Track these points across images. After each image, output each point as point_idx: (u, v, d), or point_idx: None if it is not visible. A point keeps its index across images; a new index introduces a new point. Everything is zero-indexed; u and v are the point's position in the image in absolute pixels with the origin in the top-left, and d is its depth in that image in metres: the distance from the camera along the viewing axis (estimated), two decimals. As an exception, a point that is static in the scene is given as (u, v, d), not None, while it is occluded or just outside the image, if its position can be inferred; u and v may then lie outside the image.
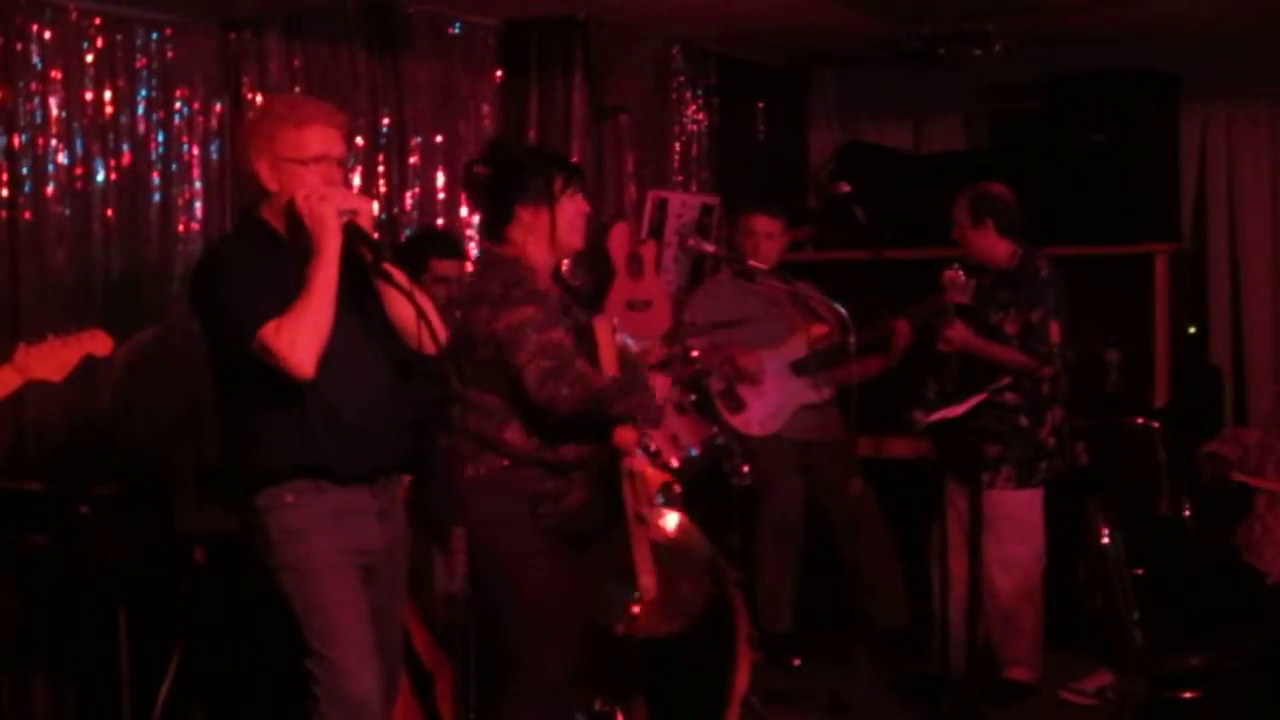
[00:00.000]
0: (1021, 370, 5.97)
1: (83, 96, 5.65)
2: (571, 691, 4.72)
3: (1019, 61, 7.53)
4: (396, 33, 6.57)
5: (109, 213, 5.75)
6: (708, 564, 5.15)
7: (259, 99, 6.06)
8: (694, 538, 5.13)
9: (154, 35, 5.86)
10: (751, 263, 6.26)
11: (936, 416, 5.75)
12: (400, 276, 4.00)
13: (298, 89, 6.19)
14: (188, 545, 5.25)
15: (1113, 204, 7.30)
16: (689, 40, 7.75)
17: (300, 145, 3.97)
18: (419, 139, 6.71)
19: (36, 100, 5.51)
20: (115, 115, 5.76)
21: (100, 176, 5.72)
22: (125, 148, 5.80)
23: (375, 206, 6.27)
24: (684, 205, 7.60)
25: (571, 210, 4.59)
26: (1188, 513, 6.54)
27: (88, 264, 5.68)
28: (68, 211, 5.61)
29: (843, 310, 5.62)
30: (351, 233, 3.92)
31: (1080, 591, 6.32)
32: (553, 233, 4.54)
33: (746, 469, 5.75)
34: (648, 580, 4.79)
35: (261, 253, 3.98)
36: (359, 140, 6.40)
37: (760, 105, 8.52)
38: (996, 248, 6.09)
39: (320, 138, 4.00)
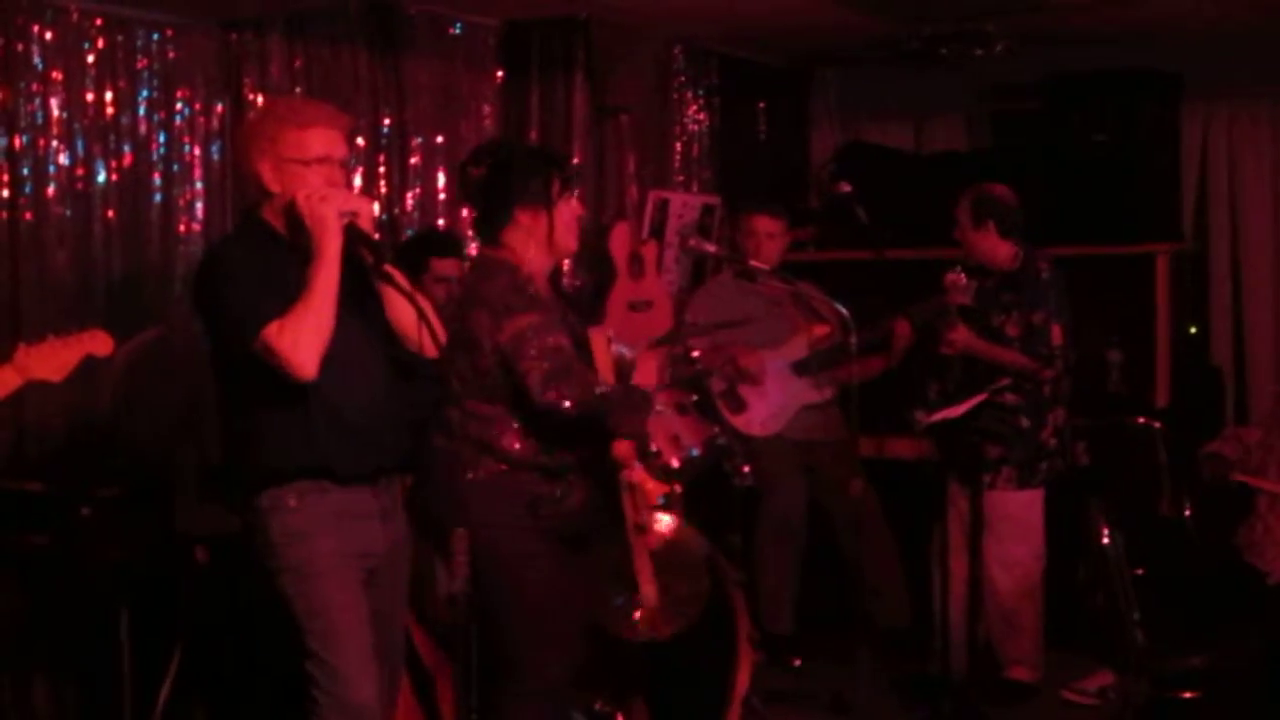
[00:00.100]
0: (1023, 372, 5.98)
1: (84, 97, 5.65)
2: (571, 692, 4.73)
3: (1020, 61, 7.53)
4: (398, 33, 6.57)
5: (110, 214, 5.75)
6: (705, 564, 5.15)
7: (260, 100, 6.06)
8: (689, 538, 5.12)
9: (155, 36, 5.86)
10: (753, 263, 6.26)
11: (938, 417, 5.76)
12: (401, 278, 4.01)
13: (299, 90, 6.19)
14: (189, 546, 5.24)
15: (1114, 204, 7.29)
16: (690, 40, 7.75)
17: (303, 147, 3.97)
18: (420, 139, 6.71)
19: (37, 101, 5.51)
20: (116, 116, 5.76)
21: (101, 177, 5.72)
22: (126, 148, 5.80)
23: (376, 207, 6.30)
24: (685, 205, 7.61)
25: (568, 213, 4.59)
26: (1189, 513, 6.54)
27: (89, 265, 5.68)
28: (69, 212, 5.61)
29: (844, 310, 5.62)
30: (352, 234, 3.92)
31: (1081, 591, 6.31)
32: (550, 236, 4.54)
33: (748, 469, 5.74)
34: (649, 589, 4.80)
35: (263, 253, 3.98)
36: (360, 141, 6.40)
37: (761, 105, 8.52)
38: (998, 249, 6.09)
39: (323, 139, 4.00)
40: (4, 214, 5.44)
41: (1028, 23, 7.11)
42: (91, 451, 5.52)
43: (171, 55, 5.91)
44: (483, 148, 4.87)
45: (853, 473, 6.09)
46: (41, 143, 5.53)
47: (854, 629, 6.04)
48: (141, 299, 5.83)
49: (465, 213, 6.76)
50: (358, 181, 6.40)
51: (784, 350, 6.54)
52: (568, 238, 4.60)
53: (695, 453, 5.18)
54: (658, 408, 4.85)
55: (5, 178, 5.43)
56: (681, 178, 7.83)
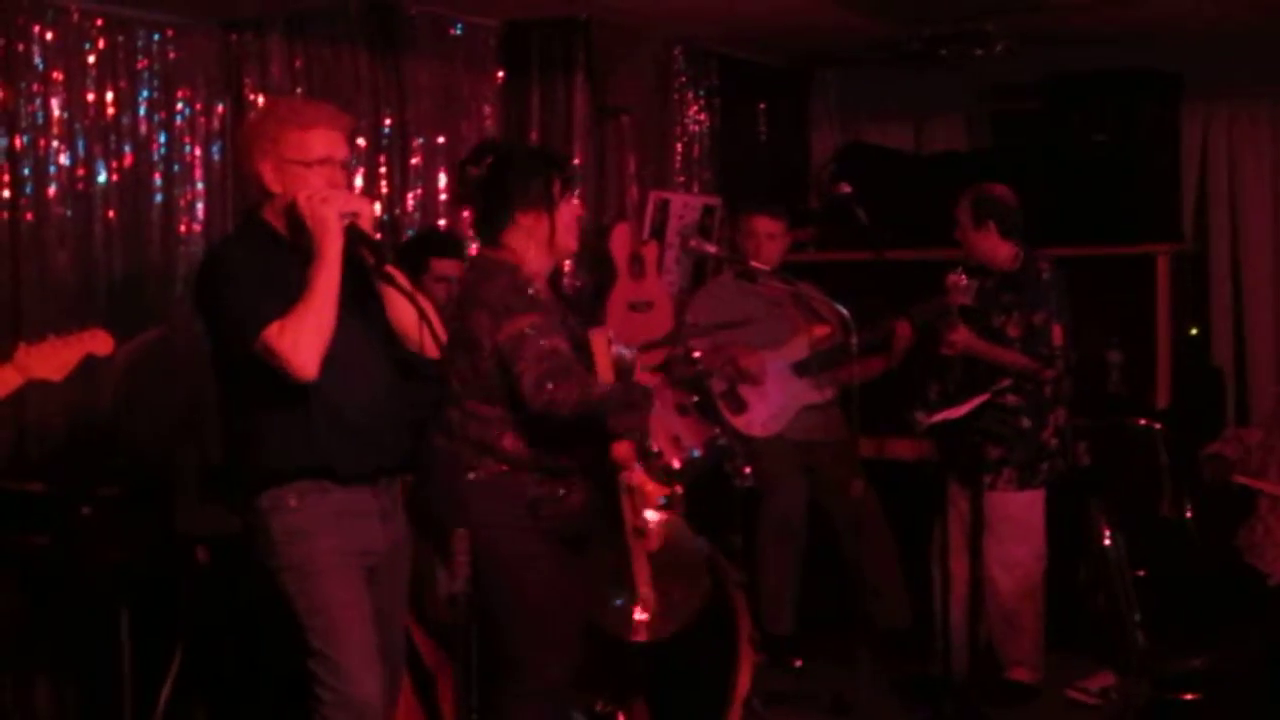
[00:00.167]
0: (1024, 373, 5.98)
1: (84, 97, 5.64)
2: (571, 692, 4.72)
3: (1020, 62, 7.53)
4: (398, 33, 6.57)
5: (111, 214, 5.75)
6: (703, 564, 5.14)
7: (261, 100, 6.05)
8: (685, 539, 5.12)
9: (155, 36, 5.86)
10: (753, 264, 6.26)
11: (938, 418, 5.75)
12: (402, 279, 4.01)
13: (299, 90, 6.19)
14: (189, 546, 5.24)
15: (1114, 205, 7.30)
16: (690, 41, 7.75)
17: (304, 148, 3.97)
18: (421, 140, 6.71)
19: (38, 101, 5.50)
20: (117, 116, 5.75)
21: (102, 177, 5.71)
22: (127, 149, 5.80)
23: (377, 207, 6.30)
24: (686, 206, 7.61)
25: (568, 214, 4.58)
26: (1189, 514, 6.54)
27: (89, 265, 5.68)
28: (69, 213, 5.61)
29: (844, 311, 5.62)
30: (353, 235, 3.93)
31: (1082, 592, 6.31)
32: (552, 237, 4.54)
33: (748, 470, 5.75)
34: (647, 591, 4.80)
35: (264, 254, 3.98)
36: (361, 141, 6.40)
37: (762, 106, 8.52)
38: (998, 249, 6.09)
39: (324, 140, 4.00)
40: (5, 214, 5.43)
41: (1027, 23, 7.10)
42: (92, 451, 5.52)
43: (172, 55, 5.91)
44: (481, 147, 4.85)
45: (853, 473, 6.09)
46: (42, 143, 5.52)
47: (854, 630, 6.04)
48: (142, 299, 5.83)
49: (466, 213, 6.77)
50: (359, 182, 6.40)
51: (785, 351, 6.54)
52: (568, 239, 4.59)
53: (696, 453, 5.19)
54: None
55: (6, 178, 5.43)
56: (682, 178, 7.83)
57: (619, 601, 4.89)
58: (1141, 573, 5.37)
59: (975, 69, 7.67)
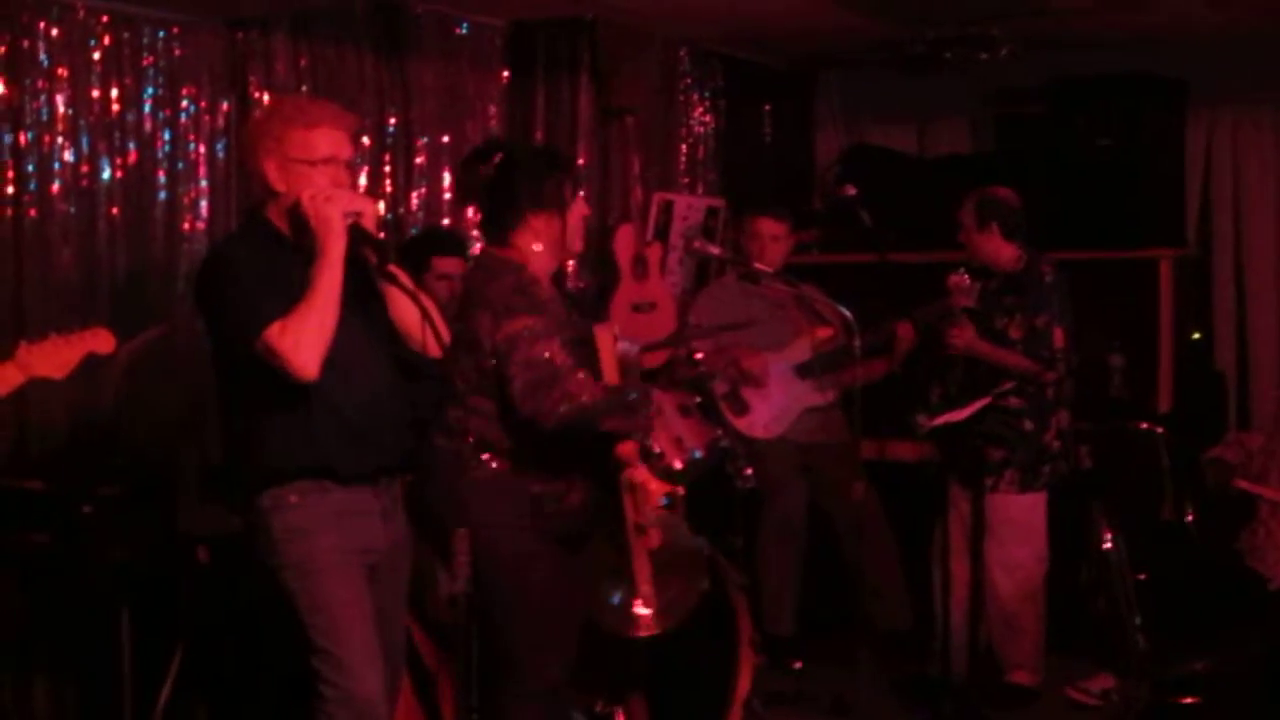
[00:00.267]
0: (1024, 375, 5.98)
1: (89, 94, 5.64)
2: (571, 692, 4.72)
3: (1024, 66, 7.52)
4: (403, 33, 6.57)
5: (114, 211, 5.75)
6: (702, 562, 5.13)
7: (265, 98, 6.05)
8: (684, 536, 5.12)
9: (160, 34, 5.86)
10: (757, 265, 6.26)
11: (940, 420, 5.75)
12: (404, 278, 4.01)
13: (304, 89, 6.19)
14: (190, 545, 5.24)
15: (1118, 209, 7.29)
16: (696, 43, 7.76)
17: (309, 147, 3.97)
18: (425, 139, 6.71)
19: (43, 98, 5.50)
20: (121, 113, 5.75)
21: (106, 175, 5.71)
22: (131, 146, 5.79)
23: (381, 206, 6.31)
24: (690, 207, 7.61)
25: (576, 215, 4.59)
26: (1191, 518, 6.54)
27: (93, 262, 5.68)
28: (73, 209, 5.61)
29: (847, 313, 5.62)
30: (356, 234, 3.93)
31: (1083, 595, 6.32)
32: (562, 239, 4.54)
33: (750, 471, 5.75)
34: (647, 589, 4.80)
35: (266, 253, 3.99)
36: (365, 140, 6.40)
37: (766, 108, 8.52)
38: (1001, 251, 6.09)
39: (329, 140, 4.00)
40: (9, 211, 5.43)
41: (1032, 27, 7.10)
42: (93, 450, 5.52)
43: (177, 53, 5.91)
44: (488, 145, 4.85)
45: (855, 475, 6.09)
46: (46, 139, 5.52)
47: (855, 631, 6.04)
48: (146, 297, 5.83)
49: (470, 212, 6.77)
50: (363, 181, 6.40)
51: (787, 353, 6.55)
52: (575, 240, 4.60)
53: (698, 455, 5.18)
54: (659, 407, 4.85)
55: (10, 174, 5.43)
56: (686, 180, 7.83)
57: (617, 598, 4.89)
58: (1142, 576, 5.37)
59: (980, 72, 7.66)
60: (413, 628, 4.66)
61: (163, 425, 5.66)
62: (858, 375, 5.57)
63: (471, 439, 4.42)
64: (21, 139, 5.44)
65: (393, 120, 6.60)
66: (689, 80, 7.82)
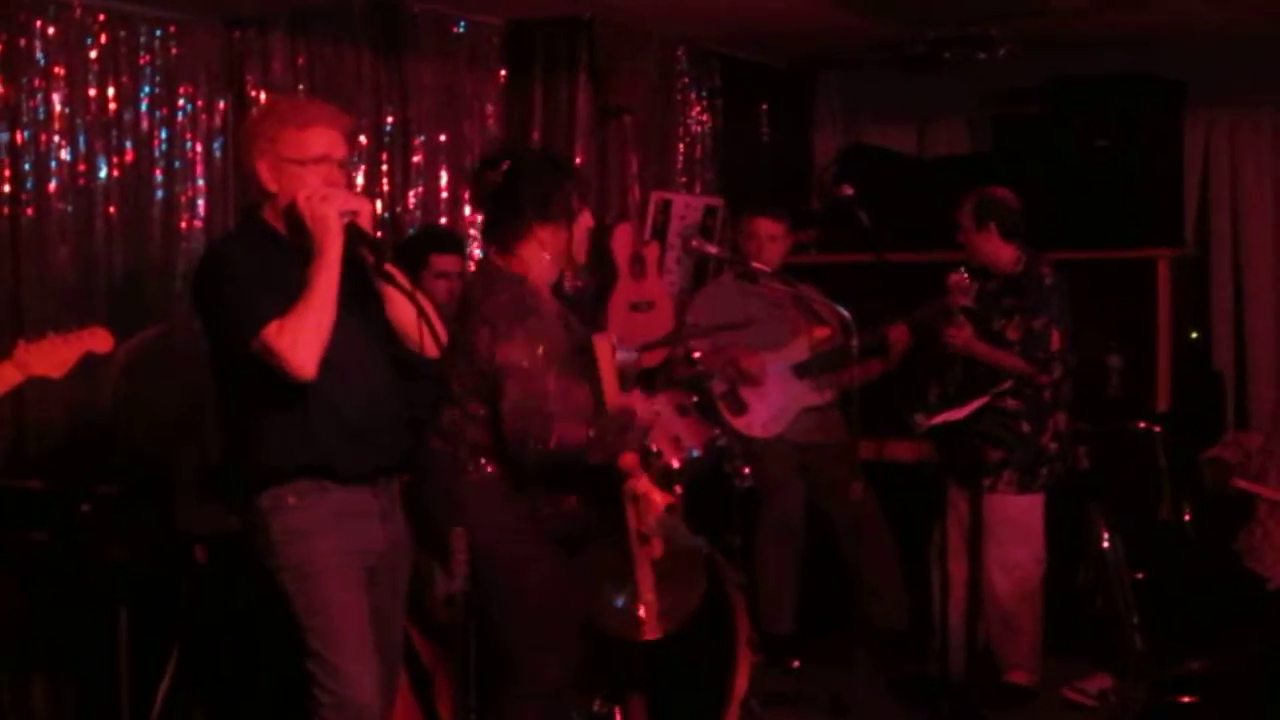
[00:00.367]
0: (1019, 376, 5.97)
1: (86, 93, 5.64)
2: (573, 693, 4.71)
3: (1023, 66, 7.53)
4: (401, 32, 6.57)
5: (112, 210, 5.74)
6: (702, 563, 5.13)
7: (263, 97, 6.05)
8: (683, 539, 5.10)
9: (158, 32, 5.85)
10: (754, 265, 6.26)
11: (938, 419, 5.75)
12: (401, 277, 4.01)
13: (301, 88, 6.19)
14: (188, 544, 5.24)
15: (1116, 209, 7.30)
16: (694, 42, 7.75)
17: (301, 146, 3.97)
18: (422, 138, 6.70)
19: (39, 96, 5.49)
20: (118, 112, 5.75)
21: (103, 173, 5.71)
22: (128, 145, 5.79)
23: (379, 205, 6.30)
24: (688, 207, 7.60)
25: (582, 226, 4.59)
26: (1188, 518, 6.54)
27: (90, 261, 5.67)
28: (70, 208, 5.60)
29: (845, 313, 5.62)
30: (353, 234, 3.92)
31: (1081, 595, 6.32)
32: (567, 249, 4.55)
33: (748, 471, 5.75)
34: (650, 597, 4.80)
35: (263, 253, 3.98)
36: (362, 139, 6.40)
37: (764, 107, 8.52)
38: (1000, 252, 6.09)
39: (322, 139, 4.00)
40: (5, 210, 5.42)
41: (1031, 27, 7.10)
42: (91, 449, 5.51)
43: (174, 52, 5.90)
44: (499, 152, 4.85)
45: (853, 475, 6.09)
46: (43, 138, 5.51)
47: (853, 631, 6.04)
48: (143, 296, 5.82)
49: (468, 211, 6.77)
50: (360, 180, 6.39)
51: (785, 352, 6.54)
52: (580, 251, 4.61)
53: (696, 454, 5.18)
54: (655, 410, 4.84)
55: (7, 173, 5.42)
56: (684, 179, 7.83)
57: (620, 601, 4.89)
58: (1140, 576, 5.37)
59: (978, 73, 7.66)
60: (410, 627, 4.65)
61: (161, 424, 5.65)
62: (855, 375, 5.58)
63: (467, 443, 4.42)
64: (18, 138, 5.43)
65: (390, 119, 6.59)
66: (687, 79, 7.82)
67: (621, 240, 7.07)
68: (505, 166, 4.56)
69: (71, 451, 5.49)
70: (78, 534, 4.96)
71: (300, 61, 6.24)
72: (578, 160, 6.98)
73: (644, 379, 5.96)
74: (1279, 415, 6.45)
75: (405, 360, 4.15)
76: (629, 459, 4.57)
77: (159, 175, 5.89)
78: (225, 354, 3.99)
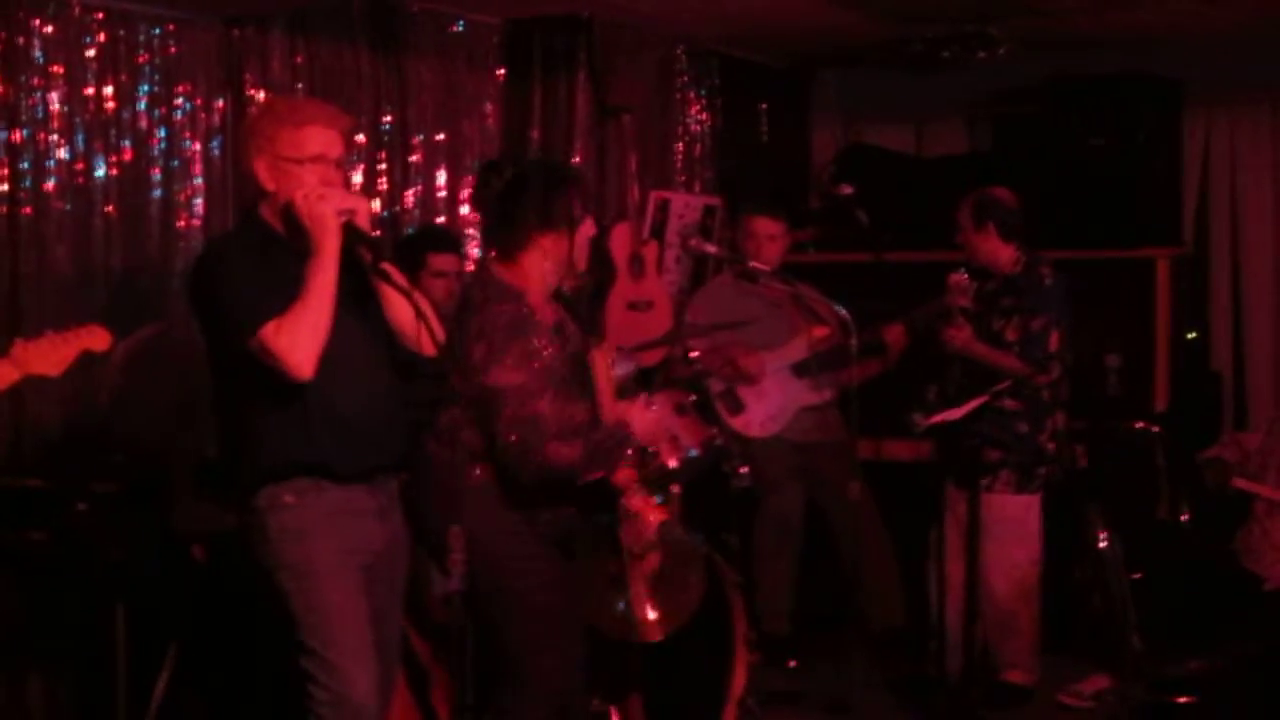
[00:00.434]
0: (1016, 376, 5.97)
1: (84, 92, 5.64)
2: (577, 694, 4.69)
3: (1021, 65, 7.53)
4: (399, 30, 6.57)
5: (110, 209, 5.74)
6: (699, 563, 5.12)
7: (261, 96, 6.05)
8: (679, 544, 5.10)
9: (156, 31, 5.85)
10: (753, 264, 6.26)
11: (936, 419, 5.75)
12: (399, 276, 4.00)
13: (300, 86, 6.19)
14: (186, 543, 5.24)
15: (1115, 208, 7.30)
16: (692, 41, 7.75)
17: (298, 145, 3.97)
18: (421, 137, 6.70)
19: (38, 95, 5.50)
20: (117, 111, 5.75)
21: (101, 172, 5.71)
22: (126, 143, 5.79)
23: (377, 204, 6.30)
24: (686, 206, 7.60)
25: (584, 234, 4.59)
26: (1186, 517, 6.54)
27: (88, 260, 5.68)
28: (68, 207, 5.60)
29: (844, 312, 5.62)
30: (350, 233, 3.92)
31: (1078, 595, 6.32)
32: (569, 258, 4.55)
33: (746, 470, 5.74)
34: (643, 609, 4.80)
35: (260, 252, 3.98)
36: (361, 138, 6.40)
37: (763, 107, 8.52)
38: (999, 252, 6.09)
39: (319, 138, 3.99)
40: (3, 208, 5.43)
41: (1029, 26, 7.10)
42: (89, 447, 5.51)
43: (173, 50, 5.91)
44: (504, 159, 4.85)
45: (851, 475, 6.09)
46: (42, 137, 5.52)
47: (851, 630, 6.04)
48: (141, 295, 5.83)
49: (466, 210, 6.77)
50: (358, 179, 6.39)
51: (783, 352, 6.54)
52: (581, 259, 4.61)
53: (694, 453, 5.17)
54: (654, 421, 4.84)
55: (5, 172, 5.42)
56: (683, 178, 7.83)
57: (620, 605, 4.88)
58: (1138, 575, 5.37)
59: (977, 72, 7.66)
60: (407, 626, 4.65)
61: (158, 423, 5.65)
62: (854, 375, 5.58)
63: (464, 447, 4.42)
64: (16, 136, 5.44)
65: (389, 118, 6.60)
66: (686, 79, 7.82)
67: (620, 239, 7.07)
68: (509, 174, 4.56)
69: (69, 450, 5.49)
70: (75, 533, 4.97)
71: (299, 60, 6.24)
72: (576, 159, 6.99)
73: (642, 378, 5.96)
74: (1277, 416, 6.45)
75: (403, 359, 4.15)
76: (623, 476, 4.57)
77: (157, 174, 5.90)
78: (222, 353, 3.99)
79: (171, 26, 5.89)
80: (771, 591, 6.47)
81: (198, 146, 6.01)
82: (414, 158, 6.69)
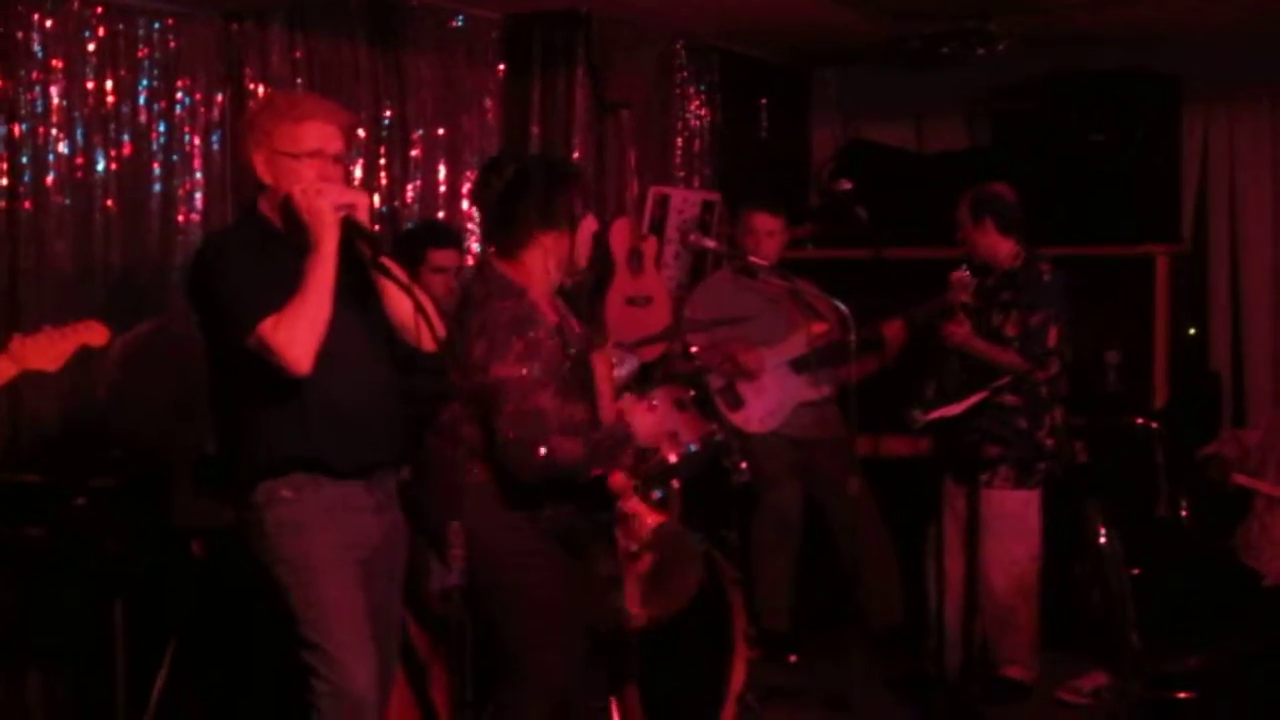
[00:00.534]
0: (1015, 372, 5.97)
1: (84, 86, 5.64)
2: (579, 690, 4.69)
3: (1021, 61, 7.52)
4: (399, 25, 6.56)
5: (109, 203, 5.74)
6: (696, 554, 5.12)
7: (261, 91, 6.05)
8: (676, 543, 5.10)
9: (156, 25, 5.85)
10: (752, 260, 6.26)
11: (935, 415, 5.75)
12: (398, 271, 4.00)
13: (299, 81, 6.18)
14: (184, 538, 5.24)
15: (1114, 205, 7.30)
16: (692, 36, 7.75)
17: (296, 140, 3.96)
18: (421, 132, 6.70)
19: (37, 89, 5.50)
20: (116, 105, 5.75)
21: (101, 167, 5.71)
22: (126, 138, 5.79)
23: (376, 199, 6.30)
24: (685, 202, 7.60)
25: (585, 231, 4.59)
26: (1185, 514, 6.54)
27: (88, 254, 5.67)
28: (68, 201, 5.60)
29: (843, 308, 5.61)
30: (349, 227, 3.91)
31: (1077, 591, 6.31)
32: (570, 255, 4.54)
33: (745, 466, 5.75)
34: (636, 611, 4.80)
35: (259, 247, 3.97)
36: (360, 133, 6.39)
37: (763, 102, 8.52)
38: (998, 247, 6.09)
39: (317, 134, 3.99)
40: (3, 203, 5.43)
41: (1029, 22, 7.10)
42: (87, 442, 5.51)
43: (172, 45, 5.90)
44: (504, 156, 4.85)
45: (850, 471, 6.09)
46: (41, 131, 5.52)
47: (850, 626, 6.04)
48: (141, 289, 5.83)
49: (466, 206, 6.77)
50: (358, 174, 6.39)
51: (782, 347, 6.54)
52: (581, 255, 4.61)
53: (693, 449, 5.18)
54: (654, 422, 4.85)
55: (5, 166, 5.42)
56: (682, 174, 7.83)
57: (614, 602, 4.88)
58: (1136, 572, 5.37)
59: (976, 68, 7.65)
60: (407, 619, 4.65)
61: (157, 418, 5.64)
62: (852, 371, 5.58)
63: (464, 443, 4.42)
64: (16, 131, 5.44)
65: (388, 113, 6.60)
66: (685, 74, 7.81)
67: (619, 235, 7.07)
68: (510, 172, 4.56)
69: (67, 445, 5.49)
70: (73, 527, 4.97)
71: (298, 55, 6.24)
72: (575, 155, 6.98)
73: (641, 374, 5.96)
74: (1277, 412, 6.44)
75: (402, 355, 4.14)
76: (618, 480, 4.57)
77: (157, 169, 5.90)
78: (221, 348, 3.99)
79: (171, 21, 5.89)
80: (771, 587, 6.47)
81: (197, 141, 6.00)
82: (414, 153, 6.69)
